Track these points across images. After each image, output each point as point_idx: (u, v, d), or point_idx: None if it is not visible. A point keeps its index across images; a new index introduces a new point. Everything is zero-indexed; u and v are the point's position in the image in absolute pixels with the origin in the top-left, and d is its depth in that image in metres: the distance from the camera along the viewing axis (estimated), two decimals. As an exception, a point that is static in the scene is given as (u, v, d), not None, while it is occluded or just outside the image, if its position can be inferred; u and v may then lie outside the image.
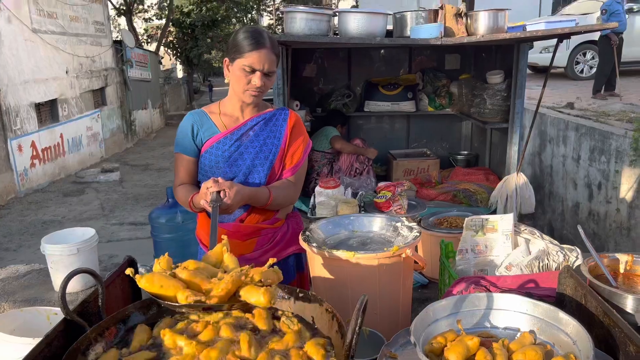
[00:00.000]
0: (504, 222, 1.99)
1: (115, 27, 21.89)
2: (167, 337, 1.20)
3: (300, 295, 1.45)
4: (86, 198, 9.62)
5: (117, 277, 1.53)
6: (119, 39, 15.48)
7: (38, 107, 10.51)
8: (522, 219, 4.28)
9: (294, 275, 2.16)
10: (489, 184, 4.54)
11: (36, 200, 9.44)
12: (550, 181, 7.76)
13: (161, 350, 1.22)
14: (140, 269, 3.67)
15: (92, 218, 8.42)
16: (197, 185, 2.03)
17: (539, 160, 8.10)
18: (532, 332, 1.33)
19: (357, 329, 1.11)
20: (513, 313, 1.43)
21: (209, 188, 1.75)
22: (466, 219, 2.00)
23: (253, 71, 1.84)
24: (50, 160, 10.89)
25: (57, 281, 3.13)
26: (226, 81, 1.98)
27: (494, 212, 4.20)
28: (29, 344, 1.55)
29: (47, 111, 11.07)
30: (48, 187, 10.47)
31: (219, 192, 1.73)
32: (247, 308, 1.39)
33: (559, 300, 1.56)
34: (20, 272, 3.52)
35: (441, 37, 3.21)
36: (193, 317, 1.33)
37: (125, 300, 1.57)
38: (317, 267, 1.77)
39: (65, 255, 3.08)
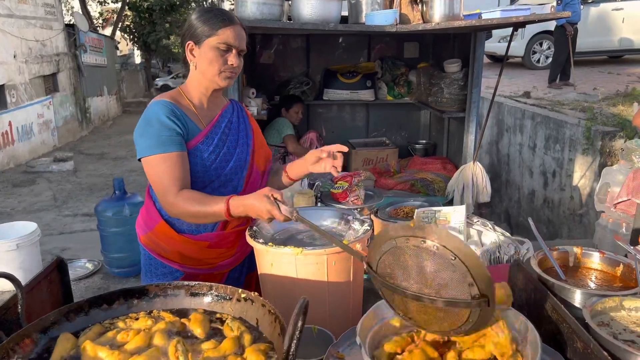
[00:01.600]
0: (456, 214, 1.96)
1: (67, 10, 20.97)
2: (88, 349, 1.10)
3: (242, 296, 1.38)
4: (37, 188, 9.24)
5: (44, 279, 1.42)
6: (71, 22, 14.85)
7: (-17, 93, 9.98)
8: (480, 207, 4.31)
9: (244, 278, 2.06)
10: (447, 173, 4.55)
11: (-18, 192, 8.99)
12: (507, 169, 7.90)
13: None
14: (88, 264, 3.52)
15: (44, 209, 8.09)
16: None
17: (496, 149, 8.23)
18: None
19: (296, 334, 1.04)
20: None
21: (277, 200, 1.54)
22: (416, 210, 1.96)
23: (228, 50, 1.67)
24: (-2, 149, 10.38)
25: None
26: (192, 66, 1.74)
27: (451, 201, 4.22)
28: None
29: (-6, 98, 10.53)
30: (-4, 177, 9.99)
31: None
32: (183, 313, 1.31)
33: (509, 295, 1.54)
34: (-44, 270, 3.31)
35: (396, 24, 3.15)
36: (122, 324, 1.23)
37: (54, 306, 1.45)
38: (264, 265, 1.69)
39: (4, 252, 2.90)
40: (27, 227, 3.10)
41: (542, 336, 1.17)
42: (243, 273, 2.05)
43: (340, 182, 3.33)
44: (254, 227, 1.81)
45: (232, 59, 1.68)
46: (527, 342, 1.17)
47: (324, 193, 3.38)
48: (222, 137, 1.80)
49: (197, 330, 1.25)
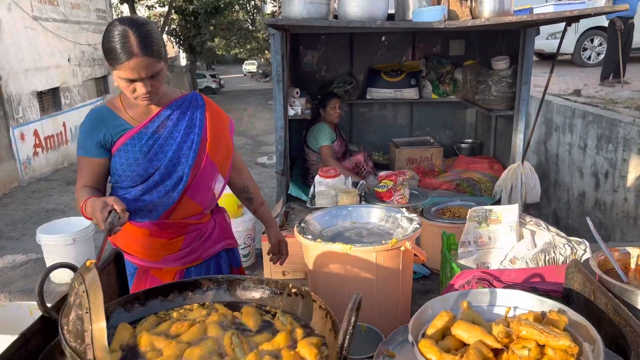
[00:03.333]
0: (508, 213, 1.91)
1: (117, 15, 21.72)
2: (145, 339, 1.13)
3: (293, 290, 1.38)
4: (89, 187, 9.58)
5: (102, 270, 1.46)
6: (121, 26, 15.32)
7: (40, 95, 10.46)
8: (527, 208, 4.19)
9: (228, 271, 2.03)
10: (494, 172, 4.44)
11: (39, 189, 9.42)
12: (556, 170, 7.65)
13: (137, 352, 1.15)
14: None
15: (94, 207, 8.38)
16: (102, 188, 1.82)
17: (544, 149, 7.98)
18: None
19: (350, 329, 1.03)
20: (518, 310, 1.35)
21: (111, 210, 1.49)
22: (470, 209, 1.92)
23: (134, 80, 1.63)
24: (54, 149, 10.85)
25: (53, 272, 3.08)
26: (115, 85, 1.79)
27: (498, 201, 4.11)
28: (7, 341, 1.48)
29: (50, 99, 11.02)
30: (51, 175, 10.44)
31: (114, 212, 1.48)
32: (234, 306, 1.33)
33: (566, 296, 1.48)
34: (17, 262, 3.48)
35: (444, 21, 3.10)
36: (176, 315, 1.26)
37: (112, 297, 1.50)
38: (312, 261, 1.70)
39: (61, 245, 3.03)
40: (82, 222, 3.23)
41: (603, 340, 1.13)
42: (224, 271, 2.02)
43: (384, 180, 3.31)
44: (302, 224, 1.83)
45: (140, 89, 1.64)
46: (589, 346, 1.13)
47: (368, 192, 3.36)
48: (159, 131, 1.78)
49: (250, 323, 1.27)
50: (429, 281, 3.17)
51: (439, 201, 3.58)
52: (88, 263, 1.15)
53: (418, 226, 1.70)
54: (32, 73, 10.03)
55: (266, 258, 3.05)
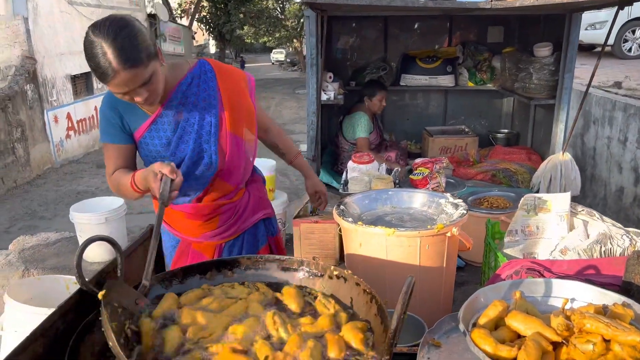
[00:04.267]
0: (559, 201, 1.80)
1: (149, 1, 21.90)
2: (187, 313, 1.09)
3: (335, 273, 1.32)
4: (119, 170, 9.71)
5: (140, 245, 1.43)
6: (153, 12, 15.46)
7: (73, 79, 10.61)
8: (566, 201, 4.03)
9: (265, 241, 1.95)
10: (531, 164, 4.29)
11: (71, 171, 9.59)
12: (593, 164, 7.39)
13: (179, 323, 1.12)
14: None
15: (124, 190, 8.48)
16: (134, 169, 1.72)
17: (581, 142, 7.72)
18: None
19: (402, 314, 0.97)
20: (575, 302, 1.27)
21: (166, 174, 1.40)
22: (523, 197, 1.82)
23: (126, 93, 1.49)
24: (85, 132, 11.02)
25: (85, 250, 3.09)
26: None
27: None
28: (44, 314, 1.47)
29: (82, 83, 11.17)
30: (83, 158, 10.62)
31: (166, 178, 1.40)
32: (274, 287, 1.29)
33: (625, 290, 1.39)
34: (51, 240, 3.52)
35: (491, 1, 2.97)
36: (218, 292, 1.22)
37: (148, 272, 1.47)
38: (351, 244, 1.63)
39: (94, 224, 3.05)
40: (114, 202, 3.24)
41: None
42: (261, 240, 1.94)
43: (420, 168, 3.21)
44: (341, 206, 1.76)
45: (136, 97, 1.51)
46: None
47: (403, 180, 3.28)
48: (174, 120, 1.67)
49: (292, 305, 1.22)
50: (464, 273, 3.08)
51: (476, 191, 3.47)
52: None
53: (465, 212, 1.62)
54: (66, 57, 10.17)
55: (297, 242, 3.01)
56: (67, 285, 1.82)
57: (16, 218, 7.19)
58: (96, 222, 3.03)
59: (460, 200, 1.70)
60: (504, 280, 1.60)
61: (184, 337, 1.06)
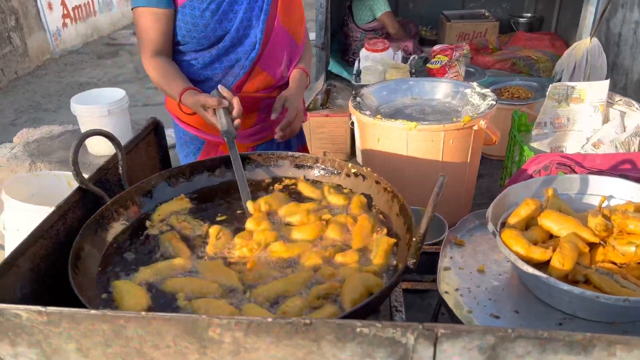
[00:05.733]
0: (594, 90, 1.65)
1: None
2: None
3: (353, 171, 1.23)
4: (120, 60, 9.40)
5: (141, 141, 1.33)
6: None
7: (64, -39, 9.91)
8: (589, 91, 3.84)
9: (296, 149, 1.79)
10: (555, 50, 4.03)
11: (71, 62, 9.31)
12: (616, 51, 7.00)
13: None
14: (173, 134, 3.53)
15: (127, 81, 8.27)
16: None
17: (605, 27, 7.24)
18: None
19: (432, 214, 0.89)
20: (613, 200, 1.18)
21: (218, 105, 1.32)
22: (550, 85, 1.66)
23: None
24: (82, 20, 10.53)
25: (90, 143, 3.02)
26: None
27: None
28: (45, 212, 1.40)
29: (74, -35, 10.45)
30: (82, 48, 10.26)
31: (228, 114, 1.33)
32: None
33: (665, 186, 1.29)
34: (55, 133, 3.43)
35: None
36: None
37: (153, 169, 1.39)
38: (368, 139, 1.52)
39: (96, 117, 2.93)
40: (115, 94, 3.10)
41: None
42: (293, 149, 1.78)
43: (438, 55, 3.01)
44: (357, 98, 1.62)
45: None
46: None
47: (419, 69, 3.08)
48: None
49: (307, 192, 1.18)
50: (480, 166, 3.00)
51: (497, 80, 3.28)
52: None
53: (494, 103, 1.48)
54: None
55: (307, 137, 2.90)
56: (69, 182, 1.74)
57: (20, 110, 7.09)
58: (98, 115, 2.91)
59: (488, 90, 1.55)
60: (531, 176, 1.51)
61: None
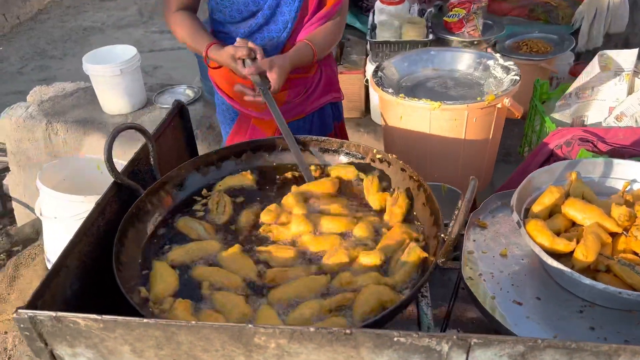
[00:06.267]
0: (622, 58, 1.62)
1: None
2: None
3: (378, 157, 1.25)
4: (124, 2, 9.15)
5: (168, 126, 1.34)
6: None
7: None
8: (609, 39, 3.73)
9: (331, 127, 1.80)
10: (575, -5, 3.87)
11: (74, 5, 9.07)
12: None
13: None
14: (188, 91, 3.51)
15: (132, 25, 8.09)
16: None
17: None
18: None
19: (464, 220, 0.91)
20: (636, 184, 1.19)
21: (241, 55, 1.34)
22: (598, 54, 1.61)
23: None
24: (81, -41, 10.16)
25: (103, 102, 3.02)
26: None
27: (577, 30, 3.66)
28: (79, 201, 1.45)
29: None
30: (82, -10, 9.96)
31: (260, 73, 1.35)
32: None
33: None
34: (67, 91, 3.42)
35: None
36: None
37: (179, 152, 1.41)
38: (390, 116, 1.53)
39: (109, 77, 2.92)
40: (126, 51, 3.06)
41: None
42: (329, 126, 1.79)
43: (456, 8, 2.92)
44: (379, 73, 1.61)
45: None
46: None
47: (436, 22, 3.00)
48: None
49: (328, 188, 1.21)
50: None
51: (515, 32, 3.20)
52: None
53: (517, 78, 1.46)
54: None
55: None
56: (98, 166, 1.77)
57: (26, 58, 7.01)
58: (110, 74, 2.89)
59: (511, 63, 1.53)
60: (552, 150, 1.52)
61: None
